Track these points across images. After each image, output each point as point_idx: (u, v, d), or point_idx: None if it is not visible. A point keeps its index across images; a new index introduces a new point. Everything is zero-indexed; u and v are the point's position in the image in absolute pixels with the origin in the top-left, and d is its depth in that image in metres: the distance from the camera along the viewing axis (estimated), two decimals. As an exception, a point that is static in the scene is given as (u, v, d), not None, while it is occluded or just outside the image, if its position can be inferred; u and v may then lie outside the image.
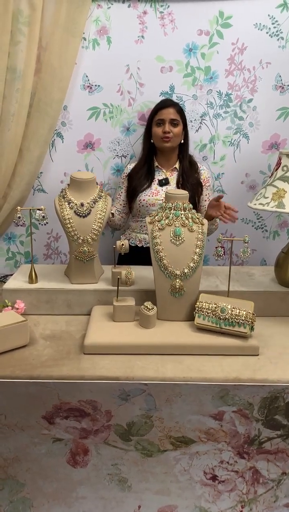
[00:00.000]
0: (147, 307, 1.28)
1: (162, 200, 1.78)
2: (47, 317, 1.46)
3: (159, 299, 1.34)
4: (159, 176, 1.85)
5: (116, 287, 1.35)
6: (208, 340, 1.23)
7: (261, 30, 1.86)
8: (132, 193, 1.84)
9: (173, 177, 1.85)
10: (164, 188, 1.82)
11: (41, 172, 1.96)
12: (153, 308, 1.29)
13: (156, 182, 1.84)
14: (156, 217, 1.37)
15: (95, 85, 1.89)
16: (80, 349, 1.24)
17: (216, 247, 1.32)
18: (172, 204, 1.36)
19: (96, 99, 1.91)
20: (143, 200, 1.81)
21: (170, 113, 1.78)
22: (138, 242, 1.86)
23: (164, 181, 1.83)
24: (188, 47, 1.89)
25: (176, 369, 1.15)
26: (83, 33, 1.81)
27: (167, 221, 1.34)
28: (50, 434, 1.19)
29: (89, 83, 1.89)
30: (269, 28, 1.86)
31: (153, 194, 1.81)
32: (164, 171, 1.86)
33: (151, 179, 1.84)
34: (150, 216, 1.40)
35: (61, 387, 1.12)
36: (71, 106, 1.89)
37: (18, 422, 1.17)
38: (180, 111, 1.81)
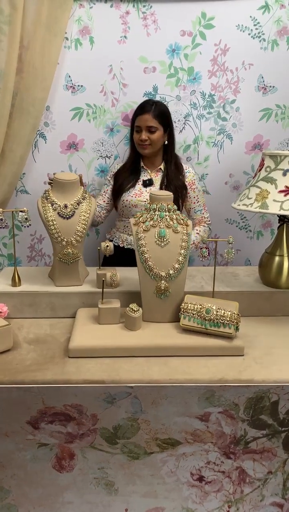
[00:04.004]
0: (132, 309, 1.27)
1: (145, 201, 1.78)
2: (31, 320, 1.44)
3: (144, 301, 1.34)
4: (144, 176, 1.85)
5: (101, 289, 1.34)
6: (193, 341, 1.23)
7: (243, 31, 1.88)
8: (117, 191, 1.84)
9: (157, 178, 1.85)
10: (148, 189, 1.82)
11: (24, 173, 1.93)
12: (138, 310, 1.28)
13: (140, 182, 1.84)
14: (141, 218, 1.36)
15: (78, 85, 1.88)
16: (65, 352, 1.22)
17: (201, 248, 1.32)
18: (157, 205, 1.35)
19: (79, 99, 1.89)
20: (127, 200, 1.81)
21: (146, 120, 1.75)
22: (120, 242, 1.86)
23: (148, 182, 1.83)
24: (171, 47, 1.89)
25: (161, 371, 1.15)
26: (66, 32, 1.79)
27: (151, 222, 1.34)
28: (35, 439, 1.17)
29: (72, 83, 1.87)
30: (251, 30, 1.88)
31: (136, 195, 1.81)
32: (149, 171, 1.86)
33: (136, 178, 1.84)
34: (135, 217, 1.39)
35: (45, 392, 1.10)
36: (54, 107, 1.87)
37: (2, 428, 1.15)
38: (159, 115, 1.77)
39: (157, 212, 1.35)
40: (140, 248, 1.32)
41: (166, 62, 1.90)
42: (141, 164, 1.86)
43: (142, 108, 1.77)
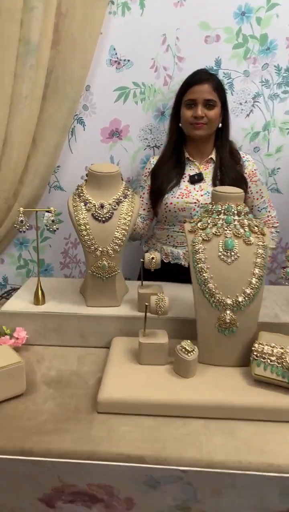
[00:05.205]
0: (185, 348, 0.93)
1: (194, 203, 1.41)
2: (55, 349, 1.14)
3: (201, 336, 0.99)
4: (190, 170, 1.47)
5: (142, 314, 1.01)
6: (272, 401, 0.87)
7: None
8: (156, 193, 1.46)
9: (208, 171, 1.45)
10: (197, 186, 1.44)
11: (58, 166, 1.65)
12: (193, 350, 0.94)
13: (186, 178, 1.46)
14: (199, 224, 1.02)
15: (125, 60, 1.56)
16: (92, 403, 0.91)
17: (284, 268, 0.96)
18: (222, 206, 1.01)
19: (125, 77, 1.58)
20: (170, 203, 1.43)
21: (204, 92, 1.37)
22: (164, 257, 1.48)
23: (196, 177, 1.44)
24: (240, 10, 1.52)
25: (227, 446, 0.80)
26: (111, -5, 1.48)
27: (214, 229, 0.99)
28: (50, 519, 0.87)
29: (117, 58, 1.56)
30: None
31: (183, 196, 1.42)
32: (197, 163, 1.47)
33: (180, 174, 1.45)
34: (190, 222, 1.05)
35: (62, 467, 0.79)
36: (94, 86, 1.57)
37: (6, 503, 0.86)
38: (218, 87, 1.40)
39: (222, 216, 1.00)
40: (197, 264, 0.98)
41: (233, 28, 1.54)
42: (186, 154, 1.50)
43: (199, 77, 1.39)
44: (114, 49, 1.55)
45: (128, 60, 1.57)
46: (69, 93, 1.52)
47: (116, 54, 1.56)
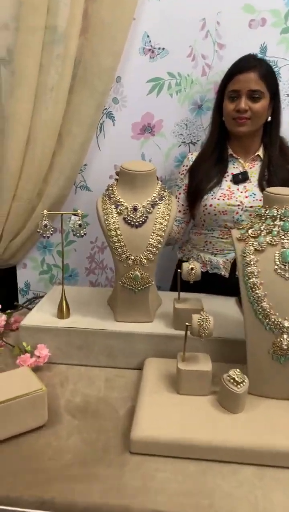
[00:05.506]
0: (233, 379, 0.79)
1: (238, 205, 1.25)
2: (80, 369, 1.02)
3: (252, 363, 0.85)
4: (233, 168, 1.31)
5: (179, 332, 0.88)
6: None
7: None
8: (194, 194, 1.32)
9: (254, 170, 1.29)
10: (241, 186, 1.28)
11: (85, 164, 1.53)
12: (243, 381, 0.79)
13: (228, 177, 1.30)
14: (250, 231, 0.88)
15: (159, 48, 1.43)
16: (124, 440, 0.78)
17: None
18: (278, 211, 0.86)
19: (160, 66, 1.44)
20: (210, 205, 1.28)
21: (249, 81, 1.22)
22: (201, 265, 1.32)
23: (240, 177, 1.28)
24: (290, -11, 1.37)
25: (287, 504, 0.66)
26: (146, -23, 1.35)
27: (268, 238, 0.85)
28: None
29: (151, 46, 1.43)
30: None
31: (225, 197, 1.27)
32: (241, 161, 1.31)
33: (222, 172, 1.30)
34: (240, 229, 0.91)
35: (89, 522, 0.66)
36: (126, 77, 1.44)
37: None
38: (266, 76, 1.23)
39: (277, 222, 0.86)
40: (249, 279, 0.84)
41: (281, 11, 1.39)
42: (229, 151, 1.34)
43: (243, 64, 1.24)
44: (148, 36, 1.42)
45: (163, 48, 1.43)
46: (98, 85, 1.40)
47: (150, 41, 1.42)
